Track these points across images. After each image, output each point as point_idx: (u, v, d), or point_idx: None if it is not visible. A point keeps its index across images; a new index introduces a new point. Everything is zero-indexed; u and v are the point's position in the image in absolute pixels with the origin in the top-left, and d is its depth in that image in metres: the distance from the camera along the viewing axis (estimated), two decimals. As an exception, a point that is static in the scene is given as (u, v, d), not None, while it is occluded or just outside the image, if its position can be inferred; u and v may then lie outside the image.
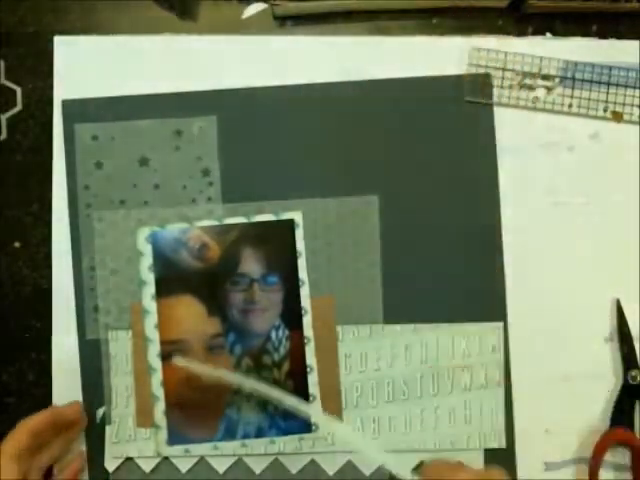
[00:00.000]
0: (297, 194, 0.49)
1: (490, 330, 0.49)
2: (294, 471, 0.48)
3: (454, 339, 0.49)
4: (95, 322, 0.48)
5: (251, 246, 0.48)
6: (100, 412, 0.48)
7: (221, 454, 0.48)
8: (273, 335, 0.48)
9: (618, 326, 0.49)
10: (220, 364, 0.48)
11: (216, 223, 0.48)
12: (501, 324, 0.49)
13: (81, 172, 0.49)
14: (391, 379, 0.48)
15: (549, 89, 0.50)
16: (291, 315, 0.48)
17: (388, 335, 0.48)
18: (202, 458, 0.48)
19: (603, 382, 0.50)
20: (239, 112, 0.49)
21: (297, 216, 0.48)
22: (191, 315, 0.48)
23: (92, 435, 0.48)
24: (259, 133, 0.49)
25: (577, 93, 0.50)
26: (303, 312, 0.48)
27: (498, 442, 0.49)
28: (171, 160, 0.49)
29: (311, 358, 0.48)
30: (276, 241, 0.48)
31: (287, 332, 0.48)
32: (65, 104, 0.49)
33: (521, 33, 0.51)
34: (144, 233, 0.48)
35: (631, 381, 0.49)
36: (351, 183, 0.49)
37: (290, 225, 0.48)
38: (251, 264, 0.48)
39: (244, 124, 0.49)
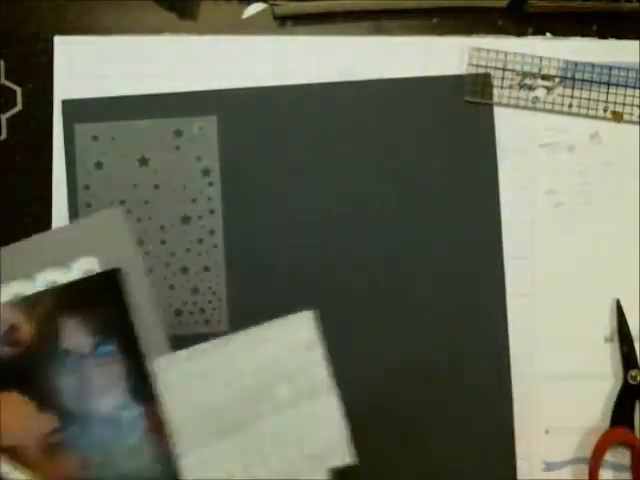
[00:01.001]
0: (299, 193, 0.49)
1: (297, 324, 0.41)
2: None
3: (258, 346, 0.41)
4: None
5: (72, 313, 0.40)
6: None
7: None
8: (124, 416, 0.41)
9: (618, 326, 0.49)
10: (65, 465, 0.40)
11: (25, 293, 0.40)
12: (311, 313, 0.42)
13: (81, 172, 0.49)
14: (215, 409, 0.41)
15: (549, 89, 0.50)
16: (140, 386, 0.40)
17: (198, 358, 0.41)
18: None
19: (603, 382, 0.50)
20: (239, 112, 0.49)
21: (125, 263, 0.40)
22: (18, 415, 0.40)
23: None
24: (259, 133, 0.49)
25: (577, 93, 0.50)
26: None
27: (341, 459, 0.42)
28: (171, 160, 0.49)
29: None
30: (102, 300, 0.41)
31: (140, 408, 0.41)
32: (65, 104, 0.49)
33: (521, 33, 0.51)
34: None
35: (631, 381, 0.49)
36: (350, 183, 0.49)
37: (114, 276, 0.41)
38: (76, 336, 0.40)
39: (244, 124, 0.49)
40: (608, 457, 0.49)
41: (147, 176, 0.49)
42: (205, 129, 0.49)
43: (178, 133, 0.49)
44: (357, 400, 0.49)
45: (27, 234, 0.49)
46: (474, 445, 0.49)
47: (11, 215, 0.50)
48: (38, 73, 0.49)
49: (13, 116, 0.50)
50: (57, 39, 0.49)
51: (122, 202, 0.49)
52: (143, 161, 0.49)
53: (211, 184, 0.49)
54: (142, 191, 0.49)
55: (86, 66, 0.49)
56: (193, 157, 0.49)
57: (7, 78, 0.50)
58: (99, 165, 0.49)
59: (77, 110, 0.49)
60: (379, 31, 0.51)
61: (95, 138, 0.49)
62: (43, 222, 0.49)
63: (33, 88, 0.50)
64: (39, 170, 0.49)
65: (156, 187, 0.49)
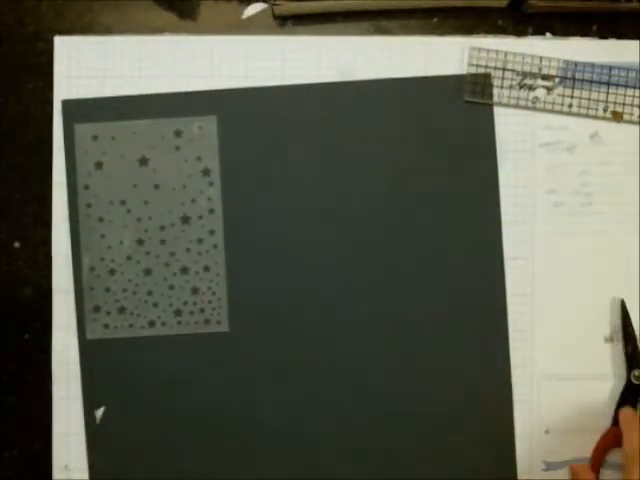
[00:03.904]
0: (299, 193, 0.49)
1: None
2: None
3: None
4: (95, 322, 0.48)
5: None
6: (99, 412, 0.48)
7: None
8: None
9: (622, 326, 0.49)
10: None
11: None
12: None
13: (81, 172, 0.49)
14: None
15: (549, 89, 0.50)
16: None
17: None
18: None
19: (603, 382, 0.50)
20: (239, 112, 0.49)
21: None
22: None
23: (91, 437, 0.48)
24: (259, 133, 0.49)
25: (577, 93, 0.50)
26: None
27: None
28: (171, 160, 0.49)
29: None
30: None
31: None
32: (65, 104, 0.49)
33: (521, 33, 0.51)
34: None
35: (634, 381, 0.49)
36: (349, 182, 0.49)
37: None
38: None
39: (244, 124, 0.49)
40: (608, 457, 0.49)
41: (147, 176, 0.49)
42: (205, 129, 0.49)
43: (178, 133, 0.49)
44: (355, 400, 0.49)
45: (27, 234, 0.49)
46: (475, 445, 0.49)
47: (11, 215, 0.50)
48: (38, 73, 0.49)
49: (13, 116, 0.50)
50: (57, 39, 0.49)
51: (122, 202, 0.49)
52: (143, 161, 0.49)
53: (211, 184, 0.49)
54: (142, 191, 0.49)
55: (86, 66, 0.49)
56: (193, 157, 0.49)
57: (7, 78, 0.50)
58: (99, 165, 0.49)
59: (77, 110, 0.49)
60: (379, 31, 0.51)
61: (95, 138, 0.49)
62: (43, 222, 0.49)
63: (33, 88, 0.50)
64: (39, 170, 0.49)
65: (156, 187, 0.49)
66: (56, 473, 0.48)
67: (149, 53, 0.49)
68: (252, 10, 0.50)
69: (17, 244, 0.50)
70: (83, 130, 0.49)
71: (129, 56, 0.49)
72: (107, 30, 0.50)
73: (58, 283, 0.49)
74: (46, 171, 0.49)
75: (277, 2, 0.49)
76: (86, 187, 0.49)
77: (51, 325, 0.49)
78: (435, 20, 0.51)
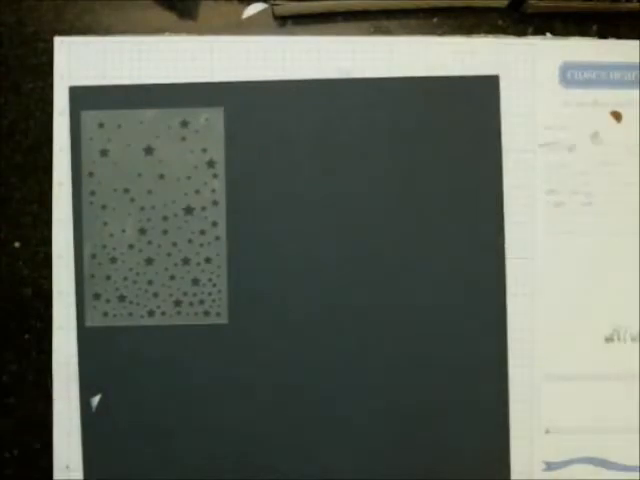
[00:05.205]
0: (302, 188, 0.49)
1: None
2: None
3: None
4: (94, 309, 0.48)
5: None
6: (95, 400, 0.48)
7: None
8: None
9: None
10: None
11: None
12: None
13: (86, 159, 0.49)
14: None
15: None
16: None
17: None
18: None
19: (603, 382, 0.50)
20: (247, 105, 0.49)
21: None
22: None
23: (87, 428, 0.49)
24: (266, 127, 0.49)
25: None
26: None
27: None
28: (176, 150, 0.49)
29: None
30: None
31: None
32: (72, 90, 0.49)
33: (521, 33, 0.51)
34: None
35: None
36: (352, 178, 0.49)
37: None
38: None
39: (251, 117, 0.49)
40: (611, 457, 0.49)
41: (152, 166, 0.49)
42: (212, 121, 0.49)
43: (185, 124, 0.49)
44: (354, 396, 0.49)
45: (27, 234, 0.49)
46: (470, 444, 0.49)
47: (11, 215, 0.50)
48: (38, 73, 0.49)
49: (13, 116, 0.50)
50: (57, 39, 0.49)
51: (126, 190, 0.49)
52: (148, 150, 0.49)
53: (215, 176, 0.49)
54: (146, 180, 0.49)
55: (86, 66, 0.49)
56: (199, 148, 0.49)
57: (7, 78, 0.50)
58: (104, 153, 0.49)
59: (84, 97, 0.49)
60: (379, 31, 0.51)
61: (101, 125, 0.49)
62: (43, 222, 0.49)
63: (33, 88, 0.50)
64: (39, 170, 0.49)
65: (161, 177, 0.49)
66: (56, 473, 0.49)
67: (149, 53, 0.49)
68: (252, 10, 0.50)
69: (17, 244, 0.50)
70: (89, 117, 0.49)
71: (129, 56, 0.49)
72: (107, 30, 0.50)
73: (58, 283, 0.49)
74: (46, 171, 0.49)
75: (277, 2, 0.49)
76: (90, 174, 0.49)
77: (51, 325, 0.49)
78: (435, 20, 0.51)
